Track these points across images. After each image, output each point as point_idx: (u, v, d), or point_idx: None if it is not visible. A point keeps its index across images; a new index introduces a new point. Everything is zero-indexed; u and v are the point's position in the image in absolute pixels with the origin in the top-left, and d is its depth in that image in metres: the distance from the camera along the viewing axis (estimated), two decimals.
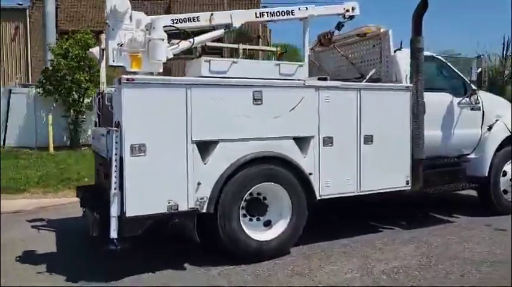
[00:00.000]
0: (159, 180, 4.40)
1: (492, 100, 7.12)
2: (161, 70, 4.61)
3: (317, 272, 4.63)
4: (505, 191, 6.92)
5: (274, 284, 4.34)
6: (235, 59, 4.98)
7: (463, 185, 6.59)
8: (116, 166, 4.29)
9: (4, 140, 14.16)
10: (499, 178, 6.82)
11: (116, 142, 4.26)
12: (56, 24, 25.27)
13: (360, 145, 5.49)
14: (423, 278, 4.45)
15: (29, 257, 5.15)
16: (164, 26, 4.64)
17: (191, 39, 4.85)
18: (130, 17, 4.47)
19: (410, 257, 5.05)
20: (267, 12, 5.27)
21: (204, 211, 4.63)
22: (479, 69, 6.40)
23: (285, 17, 5.36)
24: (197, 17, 4.88)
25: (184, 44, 4.84)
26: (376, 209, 6.90)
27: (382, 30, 6.16)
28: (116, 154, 4.28)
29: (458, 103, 6.54)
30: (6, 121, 14.23)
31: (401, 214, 6.90)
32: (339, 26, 5.93)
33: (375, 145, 5.59)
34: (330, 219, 6.50)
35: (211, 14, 4.93)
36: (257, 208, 5.08)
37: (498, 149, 6.81)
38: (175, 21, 4.76)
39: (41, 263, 4.93)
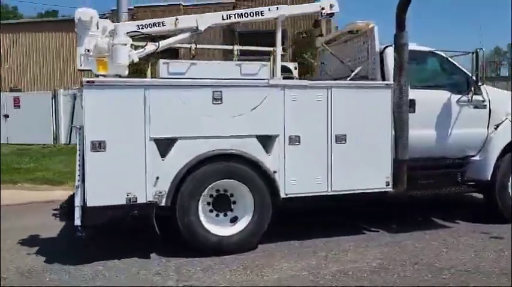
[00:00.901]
0: (118, 174, 4.77)
1: (503, 97, 6.58)
2: (126, 72, 4.97)
3: (265, 268, 4.71)
4: None
5: (216, 277, 4.51)
6: (194, 61, 5.22)
7: (461, 188, 6.20)
8: (79, 160, 4.75)
9: (70, 139, 15.70)
10: (507, 183, 6.30)
11: (79, 139, 4.72)
12: None
13: (331, 144, 5.44)
14: (368, 281, 4.36)
15: (30, 241, 5.77)
16: (129, 32, 5.01)
17: (156, 43, 5.18)
18: (97, 25, 4.90)
19: (371, 260, 4.92)
20: (235, 14, 5.43)
21: (163, 204, 4.93)
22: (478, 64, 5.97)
23: (254, 17, 5.47)
24: (162, 22, 5.19)
25: (151, 48, 5.18)
26: (375, 209, 6.74)
27: (370, 26, 6.02)
28: (79, 150, 4.74)
29: (458, 101, 6.15)
30: (72, 122, 15.78)
31: (400, 216, 6.66)
32: (316, 24, 5.91)
33: (348, 144, 5.50)
34: (320, 218, 6.48)
35: (176, 19, 5.21)
36: (224, 204, 5.27)
37: (507, 151, 6.29)
38: (141, 27, 5.11)
39: (35, 246, 5.54)
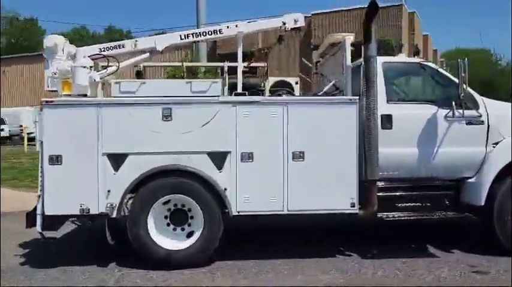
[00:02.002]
0: (73, 186, 5.14)
1: (505, 111, 5.78)
2: (88, 92, 5.35)
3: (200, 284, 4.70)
4: None
5: None
6: (144, 80, 5.41)
7: (448, 214, 5.54)
8: (40, 172, 5.21)
9: None
10: (508, 209, 5.48)
11: (41, 153, 5.18)
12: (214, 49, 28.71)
13: (287, 162, 5.25)
14: None
15: (31, 240, 6.28)
16: (91, 55, 5.40)
17: (117, 64, 5.49)
18: (63, 50, 5.36)
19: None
20: (193, 34, 5.54)
21: (114, 216, 5.18)
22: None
23: (212, 36, 5.54)
24: (123, 45, 5.50)
25: (112, 68, 5.50)
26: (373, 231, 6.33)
27: (344, 38, 5.74)
28: (41, 162, 5.20)
29: (446, 116, 5.55)
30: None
31: (392, 239, 6.15)
32: (280, 39, 5.76)
33: (307, 161, 5.27)
34: (301, 236, 6.27)
35: (136, 41, 5.49)
36: (181, 219, 5.37)
37: (509, 173, 5.51)
38: (103, 49, 5.47)
39: (32, 246, 6.10)
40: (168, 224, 5.36)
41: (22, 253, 5.91)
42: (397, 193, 5.54)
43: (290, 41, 27.37)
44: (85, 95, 5.35)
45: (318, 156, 5.28)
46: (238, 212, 5.25)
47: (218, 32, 5.49)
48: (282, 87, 6.63)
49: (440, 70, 5.71)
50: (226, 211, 5.23)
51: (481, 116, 5.61)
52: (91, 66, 5.31)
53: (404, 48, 25.59)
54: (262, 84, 6.39)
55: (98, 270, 5.21)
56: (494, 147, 5.58)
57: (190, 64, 6.63)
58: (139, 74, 6.60)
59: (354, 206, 5.31)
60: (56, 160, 5.13)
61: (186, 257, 5.21)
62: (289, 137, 5.26)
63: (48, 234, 5.30)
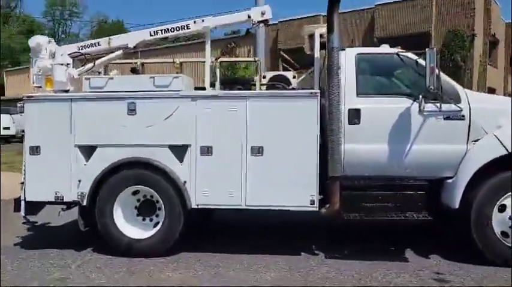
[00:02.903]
0: (49, 175, 5.54)
1: (495, 106, 5.22)
2: (67, 88, 5.72)
3: (151, 274, 4.88)
4: (505, 234, 4.97)
5: (93, 274, 4.88)
6: (111, 76, 5.64)
7: (420, 216, 5.14)
8: (24, 162, 5.69)
9: None
10: (487, 213, 4.96)
11: (24, 144, 5.67)
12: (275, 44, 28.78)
13: (246, 156, 5.22)
14: None
15: (31, 227, 6.81)
16: (70, 53, 5.77)
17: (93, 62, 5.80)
18: (46, 49, 5.78)
19: (257, 283, 4.63)
20: (161, 30, 5.66)
21: (84, 204, 5.51)
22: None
23: (180, 31, 5.62)
24: (98, 42, 5.79)
25: (88, 66, 5.82)
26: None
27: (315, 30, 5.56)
28: (24, 153, 5.68)
29: (421, 111, 5.15)
30: None
31: (377, 241, 5.88)
32: (247, 32, 5.69)
33: (266, 156, 5.20)
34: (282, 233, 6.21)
35: (110, 39, 5.74)
36: (149, 209, 5.57)
37: (491, 174, 4.98)
38: (81, 48, 5.81)
39: (29, 231, 6.69)
40: (138, 214, 5.59)
41: (21, 234, 6.45)
42: (365, 192, 5.25)
43: (352, 32, 26.72)
44: (66, 91, 5.74)
45: (278, 151, 5.19)
46: (197, 205, 5.33)
47: (186, 28, 5.58)
48: (279, 82, 6.57)
49: (420, 61, 5.29)
50: (184, 204, 5.32)
51: (461, 110, 5.13)
52: (68, 64, 5.66)
53: (478, 38, 23.77)
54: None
55: (71, 253, 5.57)
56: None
57: (183, 60, 6.74)
58: (134, 71, 6.91)
59: (313, 204, 5.15)
60: (35, 150, 5.57)
61: (147, 246, 5.40)
62: (249, 131, 5.22)
63: (32, 218, 5.79)
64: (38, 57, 5.76)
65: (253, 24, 5.58)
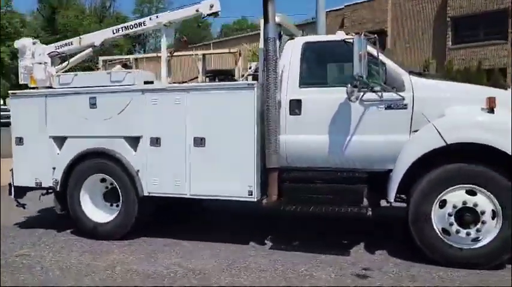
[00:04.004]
0: (31, 163, 6.20)
1: (437, 94, 4.81)
2: (47, 84, 6.30)
3: (100, 255, 5.30)
4: (446, 231, 4.62)
5: (44, 252, 5.43)
6: (76, 72, 6.08)
7: (359, 209, 4.94)
8: (13, 152, 6.42)
9: None
10: (426, 209, 4.64)
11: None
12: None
13: (190, 148, 5.41)
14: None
15: (31, 215, 7.58)
16: (49, 53, 6.35)
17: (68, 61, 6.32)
18: (30, 49, 6.42)
19: (156, 266, 4.87)
20: (121, 27, 5.97)
21: (58, 190, 6.10)
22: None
23: (139, 28, 5.90)
24: (71, 42, 6.27)
25: (64, 64, 6.35)
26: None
27: None
28: (11, 143, 6.41)
29: (362, 100, 4.93)
30: None
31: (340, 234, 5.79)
32: (199, 25, 5.78)
33: (207, 148, 5.35)
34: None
35: (80, 38, 6.19)
36: (114, 196, 6.01)
37: (432, 167, 4.65)
38: (57, 47, 6.35)
39: (39, 213, 7.54)
40: (106, 200, 6.06)
41: (25, 214, 7.24)
42: (305, 184, 5.18)
43: (421, 13, 25.27)
44: (49, 87, 6.34)
45: (218, 142, 5.31)
46: (149, 193, 5.64)
47: (143, 24, 5.87)
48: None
49: (369, 49, 5.03)
50: (137, 192, 5.66)
51: (403, 99, 4.83)
52: (46, 62, 6.24)
53: None
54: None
55: (51, 234, 6.19)
56: None
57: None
58: (125, 66, 7.37)
59: (251, 194, 5.20)
60: (19, 141, 6.26)
61: (108, 230, 5.84)
62: (191, 123, 5.40)
63: (22, 201, 6.53)
64: (23, 57, 6.41)
65: (203, 17, 5.70)
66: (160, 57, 6.00)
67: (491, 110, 4.51)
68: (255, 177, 5.18)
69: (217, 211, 7.21)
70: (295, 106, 5.18)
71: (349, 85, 4.69)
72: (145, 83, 5.63)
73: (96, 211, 6.00)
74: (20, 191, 6.39)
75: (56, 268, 4.86)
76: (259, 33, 5.35)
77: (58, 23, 44.12)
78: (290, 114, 5.20)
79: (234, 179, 5.25)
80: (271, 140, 5.09)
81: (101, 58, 7.59)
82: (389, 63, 5.01)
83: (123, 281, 4.45)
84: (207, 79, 6.75)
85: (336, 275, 4.50)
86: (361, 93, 4.88)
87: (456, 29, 23.80)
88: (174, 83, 6.16)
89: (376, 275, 4.48)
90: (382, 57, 5.02)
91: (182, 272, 4.66)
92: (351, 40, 4.96)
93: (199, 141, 5.37)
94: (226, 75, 6.62)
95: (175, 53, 6.38)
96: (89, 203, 6.01)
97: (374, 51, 4.96)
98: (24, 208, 6.58)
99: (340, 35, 5.45)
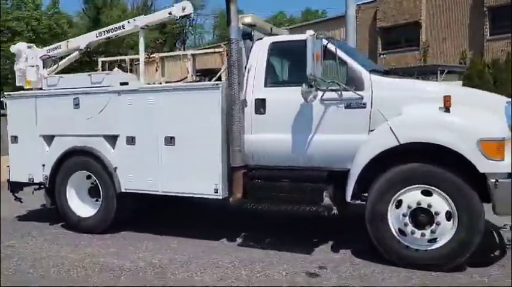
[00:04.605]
0: (24, 160, 6.61)
1: (395, 92, 4.72)
2: (40, 86, 6.66)
3: (77, 247, 5.62)
4: (402, 232, 4.55)
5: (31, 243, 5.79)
6: (62, 75, 6.38)
7: (318, 209, 4.94)
8: (9, 149, 6.86)
9: None
10: (382, 209, 4.59)
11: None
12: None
13: (161, 146, 5.59)
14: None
15: (33, 208, 7.98)
16: (41, 56, 6.71)
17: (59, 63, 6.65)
18: (25, 53, 6.81)
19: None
20: (104, 31, 6.22)
21: (47, 185, 6.46)
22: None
23: (119, 31, 6.13)
24: (60, 46, 6.59)
25: (54, 67, 6.69)
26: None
27: None
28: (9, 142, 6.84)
29: (322, 99, 4.93)
30: None
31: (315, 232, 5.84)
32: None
33: (177, 146, 5.51)
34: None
35: (68, 41, 6.50)
36: (97, 192, 6.29)
37: (387, 166, 4.60)
38: (48, 51, 6.69)
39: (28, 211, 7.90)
40: (91, 196, 6.36)
41: (27, 208, 7.69)
42: (269, 182, 5.23)
43: (457, 3, 24.40)
44: (40, 88, 6.71)
45: (187, 141, 5.46)
46: (125, 189, 5.88)
47: (122, 27, 6.10)
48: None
49: (330, 47, 5.02)
50: (115, 188, 5.91)
51: (361, 98, 4.79)
52: (37, 65, 6.61)
53: None
54: None
55: (44, 227, 6.57)
56: None
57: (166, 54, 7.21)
58: (120, 67, 7.67)
59: (217, 192, 5.33)
60: (14, 139, 6.68)
61: (90, 224, 6.15)
62: (163, 123, 5.58)
63: (19, 195, 6.97)
64: (18, 61, 6.81)
65: (176, 19, 5.85)
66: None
67: (447, 109, 4.40)
68: (220, 175, 5.30)
69: (207, 207, 7.35)
70: (260, 105, 5.24)
71: (304, 85, 4.70)
72: (121, 84, 5.85)
73: (81, 206, 6.32)
74: (16, 186, 6.82)
75: (30, 259, 5.18)
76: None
77: (103, 22, 45.86)
78: (255, 113, 5.26)
79: (201, 177, 5.39)
80: (235, 139, 5.19)
81: (100, 59, 7.93)
82: (350, 62, 4.97)
83: (84, 274, 4.69)
84: (197, 78, 6.92)
85: (287, 273, 4.55)
86: (321, 93, 4.88)
87: (494, 20, 22.80)
88: (167, 82, 6.37)
89: (328, 274, 4.50)
90: (343, 56, 4.99)
91: (143, 266, 4.84)
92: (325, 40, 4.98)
93: (170, 140, 5.55)
94: (216, 74, 6.75)
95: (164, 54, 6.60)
96: (75, 198, 6.33)
97: (338, 51, 4.95)
98: (21, 202, 7.01)
99: (307, 34, 5.45)
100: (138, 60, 7.38)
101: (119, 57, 7.66)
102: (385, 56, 27.30)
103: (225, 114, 5.26)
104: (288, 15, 64.98)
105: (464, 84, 15.75)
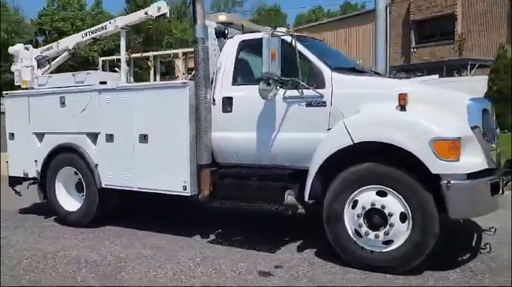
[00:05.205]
0: (20, 156, 6.96)
1: (355, 90, 4.60)
2: (35, 85, 6.97)
3: (57, 239, 5.89)
4: (358, 233, 4.46)
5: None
6: (51, 75, 6.62)
7: (282, 208, 4.92)
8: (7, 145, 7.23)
9: None
10: (338, 209, 4.51)
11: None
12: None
13: (136, 143, 5.74)
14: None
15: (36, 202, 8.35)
16: (36, 56, 7.03)
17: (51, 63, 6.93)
18: (22, 54, 7.14)
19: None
20: (89, 32, 6.42)
21: (40, 180, 6.77)
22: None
23: (102, 31, 6.31)
24: (51, 46, 6.86)
25: (46, 67, 6.98)
26: None
27: None
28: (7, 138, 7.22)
29: (284, 97, 4.90)
30: None
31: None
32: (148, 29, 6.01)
33: (150, 144, 5.65)
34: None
35: (58, 42, 6.76)
36: (82, 187, 6.54)
37: (343, 167, 4.51)
38: (42, 51, 6.98)
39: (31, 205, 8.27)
40: (78, 191, 6.62)
41: (31, 202, 8.07)
42: (235, 181, 5.27)
43: None
44: (32, 88, 7.03)
45: (158, 139, 5.58)
46: (105, 185, 6.08)
47: (105, 28, 6.28)
48: None
49: (295, 45, 4.96)
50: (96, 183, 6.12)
51: (322, 96, 4.73)
52: (32, 66, 6.92)
53: None
54: None
55: (39, 220, 6.91)
56: None
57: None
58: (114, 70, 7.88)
59: (186, 189, 5.42)
60: (11, 136, 7.04)
61: (75, 218, 6.41)
62: (137, 121, 5.72)
63: (18, 189, 7.34)
64: (16, 62, 7.16)
65: (153, 19, 5.97)
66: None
67: (402, 107, 4.27)
68: (189, 173, 5.38)
69: (193, 204, 7.44)
70: (227, 104, 5.27)
71: (261, 83, 4.69)
72: (100, 83, 6.04)
73: (68, 200, 6.58)
74: (14, 181, 7.19)
75: (11, 250, 5.46)
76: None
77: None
78: (223, 111, 5.31)
79: (171, 174, 5.50)
80: (202, 137, 5.25)
81: (100, 59, 8.18)
82: (313, 59, 4.91)
83: (51, 265, 4.90)
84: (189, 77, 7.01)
85: (241, 271, 4.57)
86: (283, 91, 4.86)
87: None
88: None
89: (280, 274, 4.48)
90: (307, 54, 4.94)
91: (109, 260, 4.99)
92: (283, 37, 4.96)
93: (143, 138, 5.69)
94: None
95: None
96: (63, 193, 6.61)
97: (303, 50, 4.92)
98: (20, 195, 7.36)
99: (264, 33, 5.43)
100: (146, 58, 7.61)
101: (115, 57, 7.85)
102: (414, 50, 26.52)
103: (193, 113, 5.33)
104: (326, 10, 64.17)
105: (491, 79, 15.14)
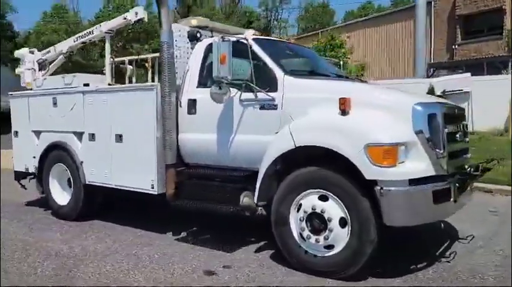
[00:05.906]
0: (22, 152, 7.47)
1: (305, 94, 4.55)
2: (35, 87, 7.43)
3: (45, 232, 6.25)
4: (302, 237, 4.44)
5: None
6: (45, 77, 7.00)
7: (237, 209, 4.96)
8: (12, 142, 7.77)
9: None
10: (284, 212, 4.51)
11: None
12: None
13: (113, 143, 6.01)
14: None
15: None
16: (38, 59, 7.49)
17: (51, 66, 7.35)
18: (26, 57, 7.64)
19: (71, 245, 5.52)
20: (79, 36, 6.75)
21: (37, 175, 7.23)
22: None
23: (90, 36, 6.61)
24: (49, 50, 7.27)
25: (45, 70, 7.41)
26: None
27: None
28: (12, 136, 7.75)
29: (240, 100, 4.97)
30: None
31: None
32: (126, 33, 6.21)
33: (124, 143, 5.90)
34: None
35: (55, 46, 7.15)
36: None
37: (289, 170, 4.51)
38: (43, 55, 7.42)
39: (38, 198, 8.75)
40: (70, 186, 7.01)
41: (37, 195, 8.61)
42: (197, 181, 5.39)
43: None
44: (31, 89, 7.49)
45: (131, 139, 5.82)
46: (88, 181, 6.40)
47: (92, 32, 6.59)
48: None
49: (255, 48, 5.02)
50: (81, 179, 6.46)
51: (273, 99, 4.74)
52: (33, 68, 7.39)
53: None
54: None
55: (37, 212, 7.38)
56: None
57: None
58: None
59: (153, 188, 5.61)
60: (15, 134, 7.56)
61: (65, 212, 6.79)
62: (113, 121, 5.99)
63: (22, 182, 7.86)
64: (21, 64, 7.67)
65: (132, 24, 6.20)
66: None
67: (343, 111, 4.21)
68: (155, 172, 5.57)
69: None
70: (192, 106, 5.40)
71: (213, 87, 4.78)
72: (84, 85, 6.36)
73: (60, 195, 6.97)
74: (18, 175, 7.70)
75: None
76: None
77: None
78: (188, 113, 5.44)
79: (141, 173, 5.72)
80: (167, 138, 5.42)
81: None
82: (269, 63, 4.93)
83: (24, 256, 5.24)
84: None
85: (187, 269, 4.69)
86: (239, 94, 4.93)
87: None
88: None
89: (227, 274, 4.55)
90: (263, 57, 4.97)
91: (76, 253, 5.27)
92: (245, 41, 5.03)
93: (119, 138, 5.95)
94: None
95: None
96: (57, 188, 7.02)
97: (260, 52, 4.97)
98: (25, 188, 7.87)
99: (248, 34, 5.50)
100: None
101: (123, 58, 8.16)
102: (456, 47, 25.39)
103: (160, 114, 5.50)
104: (376, 5, 62.49)
105: None
